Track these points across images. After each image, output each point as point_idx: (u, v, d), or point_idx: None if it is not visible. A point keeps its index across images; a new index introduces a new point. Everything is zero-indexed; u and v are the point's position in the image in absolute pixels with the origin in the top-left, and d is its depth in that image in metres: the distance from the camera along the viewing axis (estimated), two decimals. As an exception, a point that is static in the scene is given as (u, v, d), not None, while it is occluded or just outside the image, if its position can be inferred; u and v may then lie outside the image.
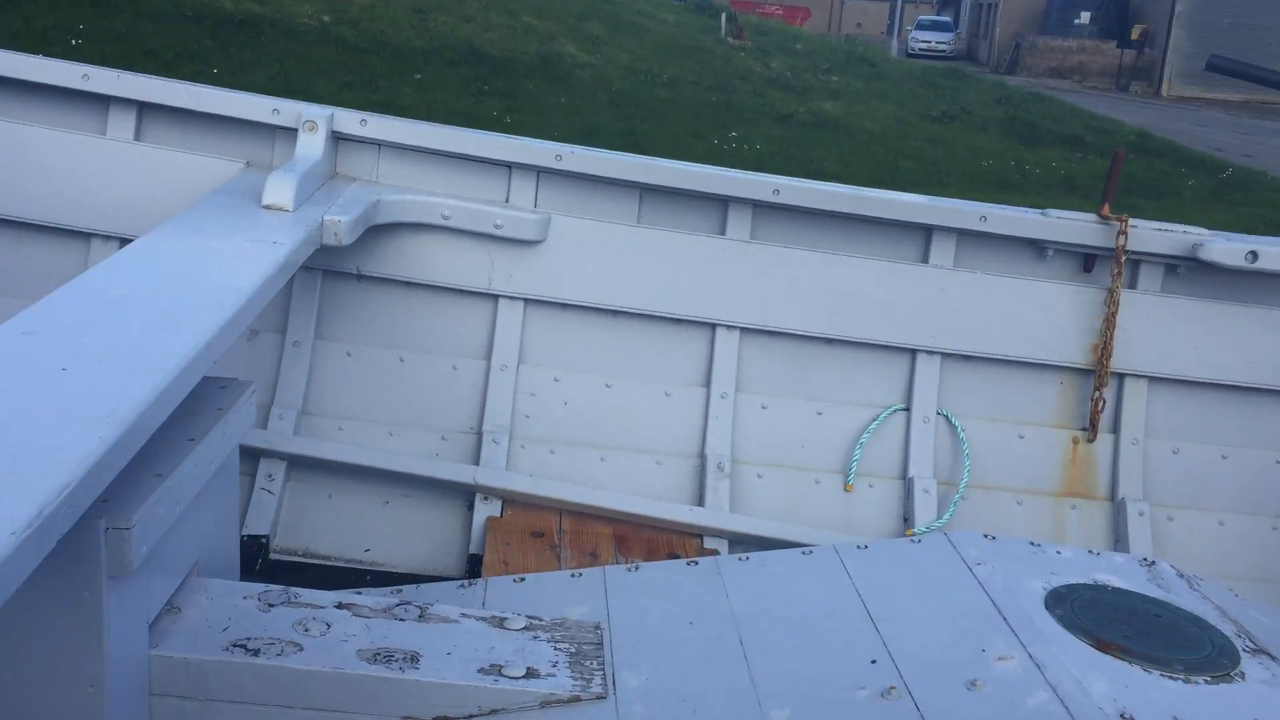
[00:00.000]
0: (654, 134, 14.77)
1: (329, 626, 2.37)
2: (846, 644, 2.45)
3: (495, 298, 4.00)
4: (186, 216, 3.23)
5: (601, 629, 2.57)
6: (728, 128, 16.09)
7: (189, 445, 2.29)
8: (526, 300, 4.01)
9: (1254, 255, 3.89)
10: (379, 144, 3.90)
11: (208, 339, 2.33)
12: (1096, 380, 4.04)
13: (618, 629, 2.58)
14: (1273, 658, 2.44)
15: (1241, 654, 2.42)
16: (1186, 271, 4.03)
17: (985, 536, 2.84)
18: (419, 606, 2.53)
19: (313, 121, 3.73)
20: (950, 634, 2.45)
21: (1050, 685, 2.20)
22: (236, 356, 3.79)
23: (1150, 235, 3.96)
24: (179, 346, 2.24)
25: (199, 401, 2.44)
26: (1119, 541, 3.99)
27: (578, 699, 2.32)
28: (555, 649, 2.47)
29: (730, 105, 18.02)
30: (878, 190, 4.07)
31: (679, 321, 4.04)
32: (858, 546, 2.85)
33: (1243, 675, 2.34)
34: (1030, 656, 2.31)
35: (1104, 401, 4.04)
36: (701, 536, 3.83)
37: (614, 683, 2.37)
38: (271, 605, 2.42)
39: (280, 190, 3.40)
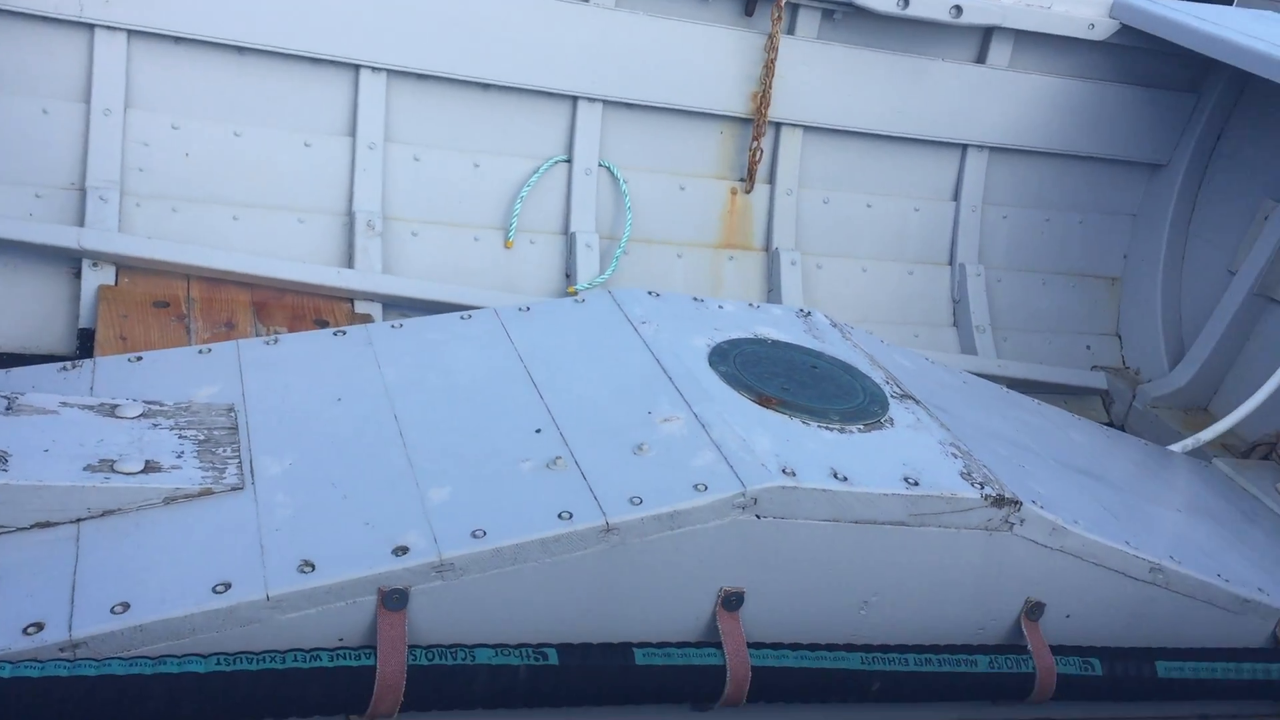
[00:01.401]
0: None
1: (-116, 430, 1.95)
2: (510, 414, 2.30)
3: (90, 27, 3.37)
4: None
5: (235, 411, 2.28)
6: None
7: None
8: (131, 31, 3.41)
9: (905, 1, 3.89)
10: None
11: None
12: (755, 130, 3.99)
13: (255, 411, 2.30)
14: (917, 402, 2.53)
15: (890, 400, 2.49)
16: (843, 17, 3.99)
17: (650, 294, 2.75)
18: (6, 396, 2.14)
19: None
20: (616, 397, 2.35)
21: (715, 444, 2.16)
22: None
23: None
24: None
25: None
26: (772, 291, 4.07)
27: (209, 492, 2.05)
28: (180, 437, 2.17)
29: None
30: (536, -84, 3.71)
31: (317, 61, 3.59)
32: (520, 308, 2.68)
33: (891, 421, 2.40)
34: (695, 416, 2.26)
35: (761, 151, 4.02)
36: (352, 300, 3.55)
37: (252, 471, 2.12)
38: None
39: None
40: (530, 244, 3.85)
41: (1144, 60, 4.23)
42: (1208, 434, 3.74)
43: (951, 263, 4.32)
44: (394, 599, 1.90)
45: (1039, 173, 4.38)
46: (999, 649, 2.28)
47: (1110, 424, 4.21)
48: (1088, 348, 4.44)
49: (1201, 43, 3.93)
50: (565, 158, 3.88)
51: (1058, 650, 2.31)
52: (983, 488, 2.21)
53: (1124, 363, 4.44)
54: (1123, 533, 2.42)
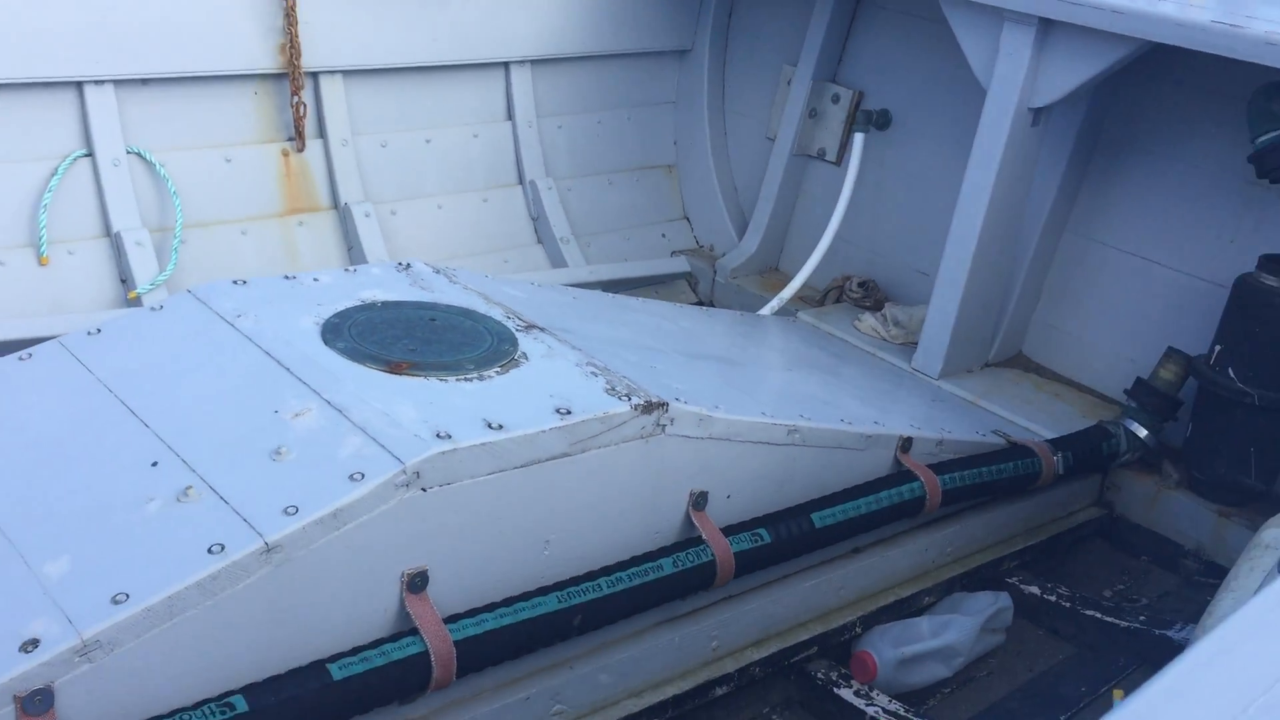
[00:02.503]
0: None
1: None
2: (115, 453, 2.02)
3: None
4: None
5: None
6: None
7: None
8: None
9: None
10: None
11: None
12: (292, 84, 3.73)
13: None
14: (543, 330, 2.50)
15: (517, 335, 2.44)
16: None
17: (235, 282, 2.50)
18: None
19: None
20: (234, 404, 2.13)
21: (359, 427, 2.02)
22: None
23: None
24: None
25: None
26: (353, 249, 3.88)
27: None
28: None
29: None
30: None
31: None
32: (89, 332, 2.35)
33: (525, 356, 2.36)
34: (328, 403, 2.09)
35: (305, 106, 3.77)
36: None
37: None
38: None
39: None
40: (70, 255, 3.40)
41: None
42: (787, 292, 4.03)
43: (521, 181, 4.31)
44: (36, 703, 1.63)
45: (581, 77, 4.45)
46: (677, 547, 2.33)
47: (701, 303, 4.43)
48: (664, 236, 4.62)
49: None
50: (86, 151, 3.44)
51: (728, 531, 2.40)
52: (630, 399, 2.23)
53: (698, 243, 4.66)
54: (757, 405, 2.55)
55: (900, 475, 2.75)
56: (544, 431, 2.09)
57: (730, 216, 4.58)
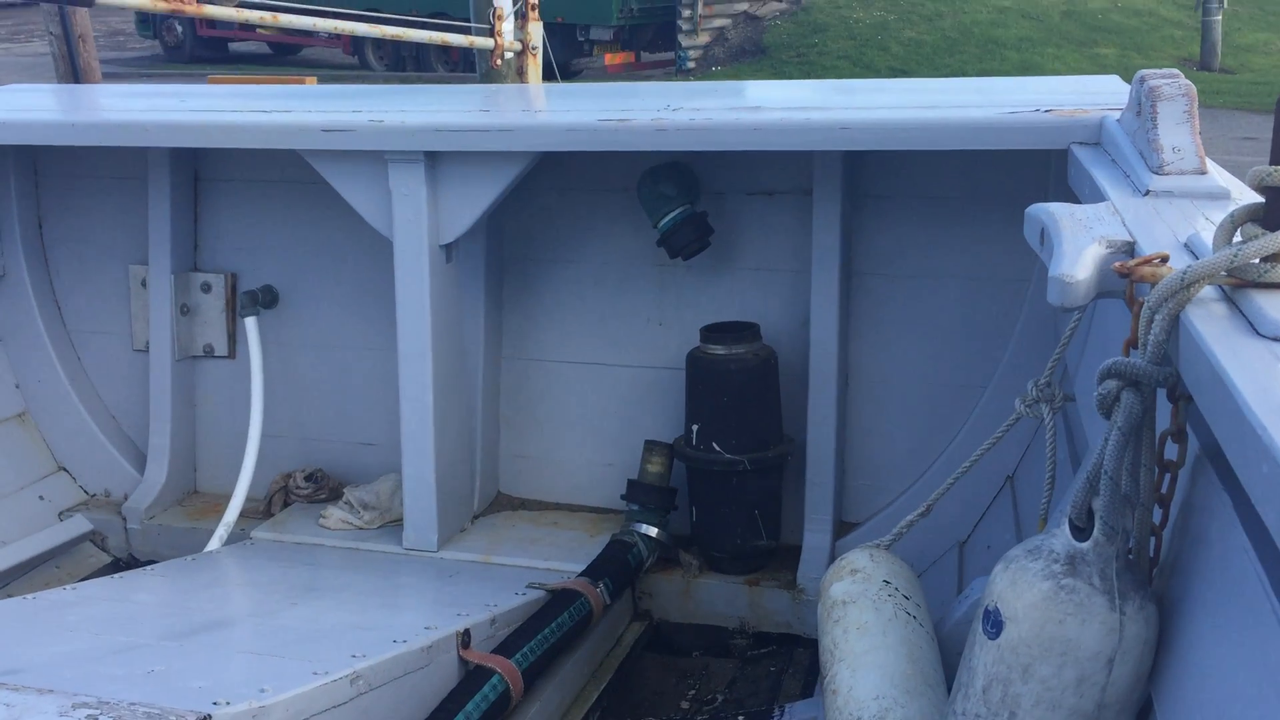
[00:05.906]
0: None
1: None
2: None
3: None
4: None
5: None
6: None
7: None
8: None
9: None
10: None
11: None
12: None
13: None
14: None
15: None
16: None
17: None
18: None
19: None
20: None
21: None
22: None
23: None
24: None
25: None
26: None
27: None
28: None
29: None
30: None
31: None
32: None
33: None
34: None
35: None
36: None
37: None
38: None
39: None
40: None
41: None
42: (230, 514, 3.44)
43: None
44: None
45: None
46: None
47: (119, 562, 3.65)
48: (41, 498, 3.74)
49: None
50: None
51: (328, 838, 1.86)
52: (153, 733, 1.62)
53: (88, 493, 3.84)
54: (303, 666, 2.03)
55: (475, 675, 2.36)
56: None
57: (120, 450, 3.84)
